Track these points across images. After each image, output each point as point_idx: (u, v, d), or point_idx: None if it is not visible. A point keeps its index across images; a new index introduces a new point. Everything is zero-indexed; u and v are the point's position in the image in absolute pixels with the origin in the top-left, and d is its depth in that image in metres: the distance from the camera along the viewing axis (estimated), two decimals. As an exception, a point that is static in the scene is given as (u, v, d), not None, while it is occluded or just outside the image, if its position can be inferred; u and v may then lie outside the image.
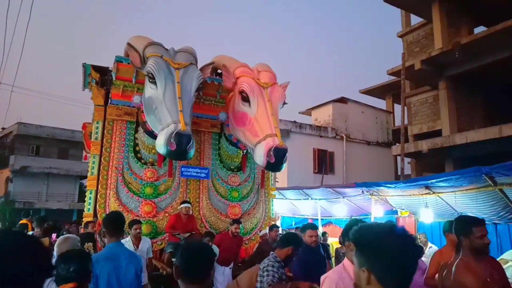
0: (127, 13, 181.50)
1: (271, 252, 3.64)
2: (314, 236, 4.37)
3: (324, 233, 9.24)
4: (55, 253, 3.12)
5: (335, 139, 17.29)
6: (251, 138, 5.25)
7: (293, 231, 7.79)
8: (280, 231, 7.10)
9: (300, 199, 11.39)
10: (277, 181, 7.73)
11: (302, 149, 15.58)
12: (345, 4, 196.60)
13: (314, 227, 4.68)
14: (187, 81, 5.00)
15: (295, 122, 16.23)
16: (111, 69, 6.04)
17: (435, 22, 13.98)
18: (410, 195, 8.17)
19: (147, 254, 5.20)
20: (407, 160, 14.61)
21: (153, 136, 5.35)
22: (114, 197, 5.81)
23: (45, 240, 5.49)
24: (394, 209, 9.47)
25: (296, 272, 4.26)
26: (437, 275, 3.21)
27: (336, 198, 10.28)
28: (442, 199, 7.61)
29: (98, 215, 5.75)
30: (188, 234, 5.57)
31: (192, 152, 4.64)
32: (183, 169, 6.29)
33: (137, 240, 5.10)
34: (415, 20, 16.03)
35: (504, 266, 4.93)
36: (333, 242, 9.11)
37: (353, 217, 9.29)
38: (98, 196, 5.82)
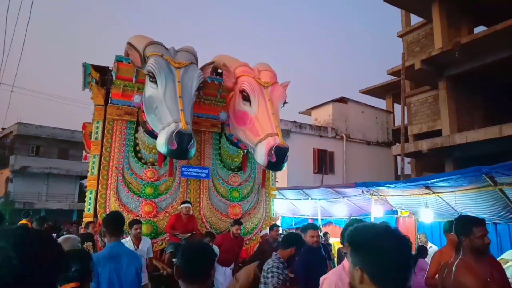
0: (127, 13, 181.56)
1: (274, 253, 3.61)
2: (316, 236, 4.37)
3: (325, 233, 9.24)
4: None
5: (335, 139, 17.30)
6: (252, 137, 5.23)
7: (294, 231, 7.80)
8: (280, 231, 7.11)
9: (300, 199, 11.40)
10: (277, 181, 7.72)
11: (302, 149, 15.58)
12: (345, 3, 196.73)
13: (315, 227, 4.68)
14: (187, 80, 5.00)
15: (295, 122, 16.23)
16: (111, 68, 6.03)
17: (435, 22, 13.98)
18: (410, 195, 8.17)
19: (147, 254, 5.19)
20: (407, 160, 14.61)
21: (154, 136, 5.34)
22: (115, 197, 5.80)
23: None
24: (394, 209, 9.48)
25: (297, 272, 4.25)
26: (437, 275, 3.21)
27: (336, 198, 10.28)
28: (442, 199, 7.61)
29: (99, 215, 5.73)
30: (189, 234, 5.56)
31: (193, 151, 4.63)
32: (183, 169, 6.28)
33: (137, 240, 5.09)
34: (415, 20, 16.04)
35: (504, 266, 4.94)
36: (335, 242, 9.11)
37: (352, 217, 9.30)
38: (99, 196, 5.80)
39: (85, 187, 6.89)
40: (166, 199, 6.16)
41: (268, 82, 5.51)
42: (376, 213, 9.17)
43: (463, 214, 6.17)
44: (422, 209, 8.07)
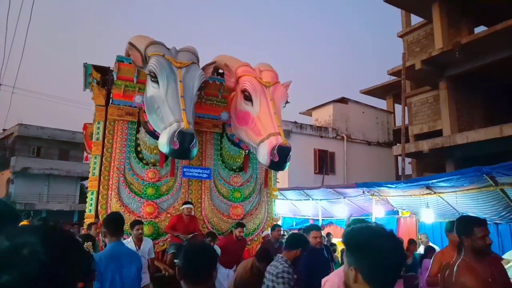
0: (127, 14, 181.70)
1: (280, 255, 3.54)
2: (319, 237, 4.36)
3: (328, 234, 9.23)
4: None
5: (336, 139, 17.29)
6: (254, 137, 5.22)
7: (296, 231, 7.79)
8: (282, 232, 7.10)
9: (301, 200, 11.40)
10: (278, 182, 7.72)
11: (303, 149, 15.58)
12: (345, 4, 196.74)
13: (318, 228, 4.69)
14: (189, 80, 4.98)
15: (295, 122, 16.23)
16: (112, 69, 6.01)
17: (435, 22, 13.98)
18: (411, 195, 8.17)
19: (148, 254, 5.19)
20: (408, 160, 14.60)
21: (155, 136, 5.33)
22: (116, 198, 5.78)
23: None
24: (395, 209, 9.48)
25: (299, 273, 4.25)
26: (439, 275, 3.21)
27: (337, 198, 10.29)
28: (443, 199, 7.62)
29: (100, 216, 5.72)
30: (191, 235, 5.54)
31: (195, 150, 4.61)
32: (185, 169, 6.26)
33: (138, 240, 5.10)
34: (415, 20, 16.03)
35: (506, 266, 4.93)
36: (338, 242, 9.11)
37: (352, 218, 9.30)
38: (100, 197, 5.79)
39: (86, 188, 6.90)
40: (167, 199, 6.14)
41: (269, 82, 5.48)
42: (377, 213, 9.17)
43: (464, 214, 6.18)
44: (423, 209, 8.07)
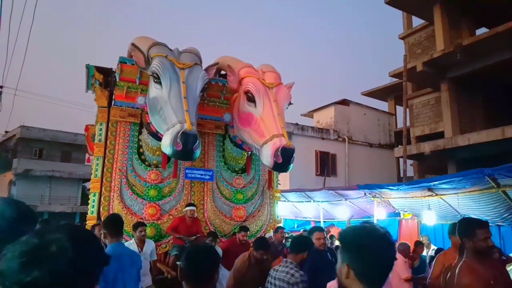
0: (127, 14, 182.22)
1: (289, 261, 3.37)
2: (322, 238, 4.31)
3: (332, 236, 9.21)
4: None
5: (337, 141, 17.28)
6: (257, 138, 5.19)
7: (299, 233, 7.79)
8: (284, 234, 7.09)
9: (303, 202, 11.39)
10: (279, 183, 7.72)
11: (304, 151, 15.57)
12: (346, 5, 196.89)
13: (321, 229, 4.67)
14: (192, 81, 4.96)
15: (297, 124, 16.23)
16: (114, 70, 6.00)
17: (436, 23, 13.99)
18: (413, 197, 8.16)
19: (151, 256, 5.18)
20: (409, 162, 14.61)
21: (157, 137, 5.31)
22: (118, 200, 5.78)
23: None
24: (396, 211, 9.47)
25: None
26: (441, 277, 3.21)
27: (339, 200, 10.28)
28: (444, 201, 7.61)
29: (102, 218, 5.70)
30: (194, 237, 5.53)
31: (198, 152, 4.58)
32: (187, 171, 6.25)
33: (141, 242, 5.08)
34: (417, 22, 16.06)
35: (508, 269, 4.92)
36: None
37: (351, 220, 9.30)
38: (102, 199, 5.77)
39: (88, 189, 6.89)
40: (170, 201, 6.12)
41: (272, 83, 5.45)
42: (379, 215, 9.16)
43: (466, 216, 6.17)
44: (424, 211, 8.06)
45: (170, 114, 4.64)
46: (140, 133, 6.14)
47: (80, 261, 0.86)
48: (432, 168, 15.55)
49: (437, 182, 7.07)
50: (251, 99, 5.33)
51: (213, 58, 6.26)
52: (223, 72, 6.59)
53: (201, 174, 6.37)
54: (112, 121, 6.02)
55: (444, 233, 8.17)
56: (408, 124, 13.98)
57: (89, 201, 5.95)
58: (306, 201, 11.21)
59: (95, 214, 5.79)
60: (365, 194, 9.10)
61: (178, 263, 4.83)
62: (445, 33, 13.63)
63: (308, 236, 4.33)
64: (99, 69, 6.23)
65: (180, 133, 4.31)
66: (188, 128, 4.35)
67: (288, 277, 3.17)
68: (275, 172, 6.76)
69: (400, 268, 5.61)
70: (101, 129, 6.06)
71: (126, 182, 5.92)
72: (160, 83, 4.85)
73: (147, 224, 5.50)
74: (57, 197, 26.23)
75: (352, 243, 1.49)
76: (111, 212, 5.67)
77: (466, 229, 2.74)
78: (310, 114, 19.92)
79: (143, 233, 5.09)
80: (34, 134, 26.74)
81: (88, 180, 6.78)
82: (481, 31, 13.96)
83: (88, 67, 6.33)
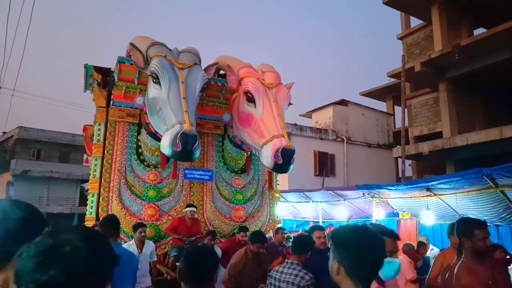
0: (127, 14, 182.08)
1: (295, 262, 3.23)
2: (322, 237, 4.28)
3: (332, 236, 9.20)
4: None
5: (336, 141, 17.29)
6: (257, 139, 5.15)
7: (298, 233, 7.77)
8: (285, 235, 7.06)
9: (301, 202, 11.38)
10: (278, 184, 7.71)
11: (303, 151, 15.55)
12: (344, 5, 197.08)
13: (322, 228, 4.65)
14: (191, 81, 4.92)
15: (295, 124, 16.22)
16: (113, 70, 5.96)
17: (434, 24, 14.01)
18: (411, 197, 8.17)
19: (150, 257, 5.17)
20: (408, 162, 14.62)
21: (156, 137, 5.28)
22: (117, 200, 5.74)
23: None
24: (395, 211, 9.47)
25: None
26: (439, 277, 3.21)
27: (337, 200, 10.27)
28: (443, 201, 7.61)
29: (101, 219, 5.70)
30: (193, 238, 5.51)
31: (197, 153, 4.55)
32: (186, 171, 6.22)
33: (141, 243, 5.07)
34: (415, 22, 16.08)
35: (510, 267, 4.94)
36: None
37: (350, 220, 9.30)
38: (101, 199, 5.73)
39: (86, 190, 6.87)
40: (169, 202, 6.09)
41: (272, 83, 5.42)
42: (378, 215, 9.16)
43: (464, 216, 6.18)
44: (423, 211, 8.06)
45: (169, 115, 4.60)
46: (139, 133, 6.11)
47: (93, 261, 0.89)
48: (431, 168, 15.57)
49: (435, 182, 7.07)
50: (250, 99, 5.30)
51: (213, 58, 6.22)
52: (222, 72, 6.56)
53: (200, 175, 6.34)
54: (110, 121, 5.98)
55: (443, 233, 8.18)
56: (406, 124, 13.99)
57: (88, 202, 5.89)
58: (304, 202, 11.21)
59: (93, 215, 5.73)
60: (363, 194, 9.10)
61: (177, 264, 4.83)
62: (443, 34, 13.65)
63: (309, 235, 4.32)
64: (98, 69, 6.17)
65: (179, 134, 4.28)
66: (188, 129, 4.31)
67: (298, 280, 3.05)
68: (274, 172, 6.75)
69: (406, 269, 5.58)
70: (99, 129, 6.02)
71: (125, 182, 5.88)
72: (159, 83, 4.81)
73: (146, 225, 5.49)
74: (55, 198, 26.22)
75: (342, 241, 1.57)
76: (110, 213, 5.65)
77: (465, 229, 2.74)
78: (308, 115, 19.93)
79: (142, 234, 5.07)
80: (32, 135, 26.73)
81: (87, 181, 6.75)
82: (479, 31, 13.99)
83: (86, 67, 6.29)
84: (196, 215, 5.89)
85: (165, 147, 4.48)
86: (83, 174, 25.31)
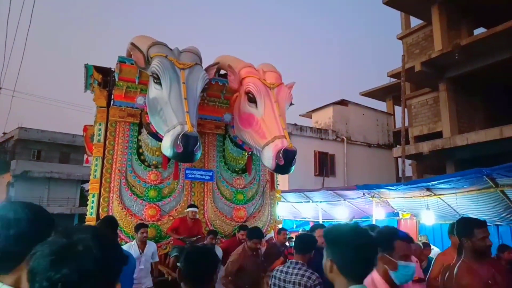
0: (127, 14, 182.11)
1: (300, 262, 3.15)
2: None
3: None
4: None
5: (336, 141, 17.29)
6: (258, 139, 5.14)
7: (295, 233, 7.76)
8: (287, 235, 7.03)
9: (301, 202, 11.38)
10: (278, 184, 7.72)
11: (303, 151, 15.55)
12: (344, 5, 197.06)
13: (323, 226, 4.66)
14: (192, 81, 4.91)
15: (295, 124, 16.22)
16: (113, 70, 5.95)
17: (434, 24, 14.01)
18: (411, 197, 8.17)
19: (152, 258, 5.16)
20: (408, 162, 14.61)
21: (157, 137, 5.27)
22: (118, 201, 5.73)
23: None
24: (395, 211, 9.47)
25: None
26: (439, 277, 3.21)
27: (337, 200, 10.27)
28: (443, 201, 7.61)
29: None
30: (195, 238, 5.49)
31: (198, 154, 4.55)
32: (187, 171, 6.20)
33: (142, 244, 5.05)
34: (415, 22, 16.07)
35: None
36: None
37: (353, 221, 9.29)
38: (101, 200, 5.72)
39: (87, 191, 6.87)
40: (169, 202, 6.08)
41: (273, 83, 5.40)
42: (378, 215, 9.16)
43: (464, 216, 6.18)
44: (423, 211, 8.07)
45: (170, 116, 4.59)
46: (139, 133, 6.09)
47: (104, 260, 0.91)
48: (431, 168, 15.56)
49: (435, 182, 7.07)
50: (252, 99, 5.28)
51: (213, 58, 6.20)
52: (222, 72, 6.55)
53: (201, 175, 6.33)
54: (111, 121, 5.97)
55: (443, 232, 8.18)
56: (406, 124, 13.99)
57: (88, 202, 5.88)
58: (305, 202, 11.21)
59: (94, 215, 5.71)
60: (363, 194, 9.11)
61: (178, 264, 4.83)
62: (443, 33, 13.65)
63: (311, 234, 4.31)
64: (98, 69, 6.17)
65: (180, 135, 4.27)
66: (189, 130, 4.30)
67: (304, 280, 2.96)
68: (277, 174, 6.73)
69: None
70: (100, 129, 6.02)
71: (126, 182, 5.87)
72: (160, 83, 4.80)
73: (148, 226, 5.46)
74: (55, 199, 26.21)
75: (334, 239, 1.63)
76: (110, 213, 5.63)
77: (464, 228, 2.75)
78: (308, 115, 19.92)
79: (144, 234, 5.06)
80: (32, 136, 26.73)
81: (87, 181, 6.74)
82: (479, 31, 13.98)
83: (86, 66, 6.27)
84: (197, 216, 5.87)
85: (166, 148, 4.47)
86: (84, 174, 25.32)
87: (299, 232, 7.67)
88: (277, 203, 7.30)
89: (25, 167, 25.53)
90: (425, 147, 13.38)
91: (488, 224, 2.96)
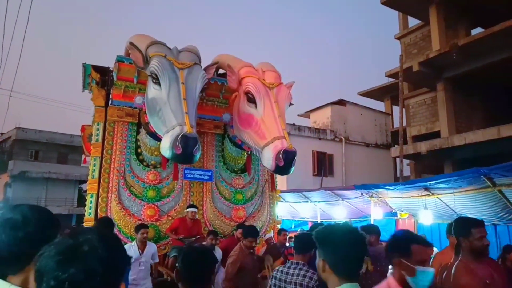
0: (127, 14, 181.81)
1: (301, 262, 3.10)
2: None
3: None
4: None
5: (334, 141, 17.30)
6: (258, 140, 5.11)
7: (294, 233, 7.76)
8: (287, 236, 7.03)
9: (300, 202, 11.38)
10: (277, 184, 7.72)
11: (301, 151, 15.40)
12: (344, 5, 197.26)
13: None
14: (191, 81, 4.87)
15: (294, 124, 16.23)
16: (111, 69, 5.91)
17: (432, 24, 14.04)
18: (410, 196, 8.18)
19: (152, 259, 5.15)
20: (406, 161, 14.65)
21: (156, 137, 5.24)
22: (116, 201, 5.68)
23: None
24: (393, 211, 9.48)
25: None
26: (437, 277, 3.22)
27: (336, 200, 10.28)
28: (441, 200, 7.62)
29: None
30: (194, 238, 5.47)
31: (198, 155, 4.52)
32: (186, 171, 6.17)
33: (142, 244, 5.05)
34: (413, 22, 16.11)
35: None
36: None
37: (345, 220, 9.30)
38: (100, 200, 5.67)
39: (85, 191, 6.84)
40: (168, 202, 6.04)
41: (273, 83, 5.36)
42: (376, 215, 9.17)
43: (462, 215, 6.19)
44: (421, 210, 8.08)
45: (169, 116, 4.56)
46: (138, 133, 6.05)
47: (109, 260, 0.94)
48: (429, 167, 15.59)
49: (433, 182, 7.08)
50: (251, 100, 5.24)
51: (213, 58, 6.17)
52: (221, 71, 6.52)
53: (200, 175, 6.29)
54: (109, 120, 5.93)
55: (441, 232, 8.19)
56: (404, 124, 14.01)
57: (86, 203, 5.83)
58: (303, 202, 11.21)
59: (92, 216, 5.66)
60: (362, 194, 9.11)
61: (177, 264, 4.81)
62: (440, 33, 13.68)
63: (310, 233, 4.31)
64: (96, 68, 6.13)
65: (180, 136, 4.24)
66: (188, 131, 4.27)
67: (306, 280, 2.90)
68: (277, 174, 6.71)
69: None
70: (98, 129, 5.98)
71: (124, 182, 5.83)
72: (159, 83, 4.76)
73: (148, 226, 5.43)
74: (53, 199, 26.14)
75: (324, 239, 1.68)
76: (108, 214, 5.61)
77: (462, 228, 2.75)
78: (306, 115, 19.94)
79: (145, 235, 5.04)
80: (30, 136, 26.67)
81: (85, 181, 6.73)
82: (477, 31, 14.02)
83: (84, 66, 6.23)
84: (197, 216, 5.84)
85: (165, 149, 4.43)
86: (81, 175, 25.28)
87: (298, 232, 7.66)
88: (276, 203, 7.26)
89: (22, 167, 25.47)
90: (423, 147, 13.41)
91: (486, 223, 2.97)
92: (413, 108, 15.90)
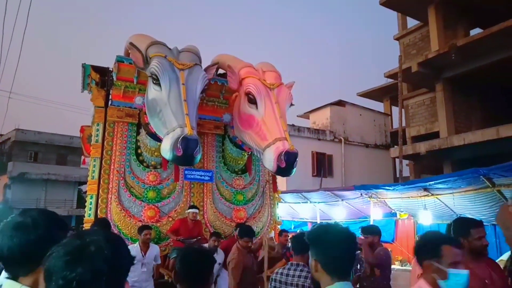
0: (127, 14, 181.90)
1: (301, 263, 3.06)
2: None
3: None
4: None
5: (334, 142, 17.32)
6: (259, 141, 5.07)
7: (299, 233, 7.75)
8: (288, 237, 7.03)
9: (299, 203, 11.40)
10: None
11: (301, 152, 15.29)
12: (343, 6, 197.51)
13: None
14: (192, 82, 4.82)
15: (293, 125, 16.23)
16: (111, 69, 5.87)
17: (431, 24, 14.07)
18: (409, 197, 8.19)
19: (155, 260, 5.14)
20: (405, 162, 14.65)
21: (156, 138, 5.21)
22: (116, 202, 5.63)
23: None
24: (393, 211, 9.50)
25: None
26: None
27: (335, 201, 10.29)
28: (440, 200, 7.64)
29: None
30: (195, 239, 5.43)
31: (198, 157, 4.48)
32: (186, 172, 6.12)
33: (145, 246, 5.03)
34: (412, 22, 16.15)
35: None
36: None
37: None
38: (99, 201, 5.62)
39: (84, 192, 6.81)
40: (169, 203, 5.99)
41: (273, 83, 5.32)
42: (375, 215, 9.19)
43: (461, 215, 6.20)
44: (421, 211, 8.09)
45: (170, 118, 4.52)
46: (138, 133, 6.01)
47: (115, 260, 0.98)
48: (428, 168, 15.61)
49: (432, 182, 7.09)
50: (252, 100, 5.20)
51: (214, 57, 6.14)
52: (221, 71, 6.50)
53: (201, 175, 6.25)
54: (109, 121, 5.89)
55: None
56: (403, 124, 14.04)
57: (86, 204, 5.77)
58: (303, 202, 11.23)
59: (92, 217, 5.60)
60: (361, 194, 9.13)
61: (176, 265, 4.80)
62: (439, 34, 13.71)
63: None
64: (96, 68, 6.09)
65: (180, 138, 4.20)
66: (189, 133, 4.23)
67: (308, 282, 2.84)
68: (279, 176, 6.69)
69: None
70: (98, 130, 5.93)
71: (124, 183, 5.78)
72: (159, 84, 4.72)
73: (152, 227, 5.40)
74: (52, 200, 26.10)
75: (315, 240, 1.70)
76: (108, 215, 5.57)
77: (461, 228, 2.75)
78: (306, 115, 19.95)
79: (148, 236, 5.03)
80: (29, 137, 26.63)
81: (84, 183, 6.73)
82: (476, 31, 14.05)
83: (84, 66, 6.19)
84: (198, 217, 5.81)
85: (166, 151, 4.40)
86: (81, 176, 25.25)
87: (297, 233, 7.66)
88: (277, 204, 7.24)
89: (22, 168, 25.44)
90: (422, 147, 13.42)
91: (485, 223, 2.97)
92: (412, 108, 15.92)
